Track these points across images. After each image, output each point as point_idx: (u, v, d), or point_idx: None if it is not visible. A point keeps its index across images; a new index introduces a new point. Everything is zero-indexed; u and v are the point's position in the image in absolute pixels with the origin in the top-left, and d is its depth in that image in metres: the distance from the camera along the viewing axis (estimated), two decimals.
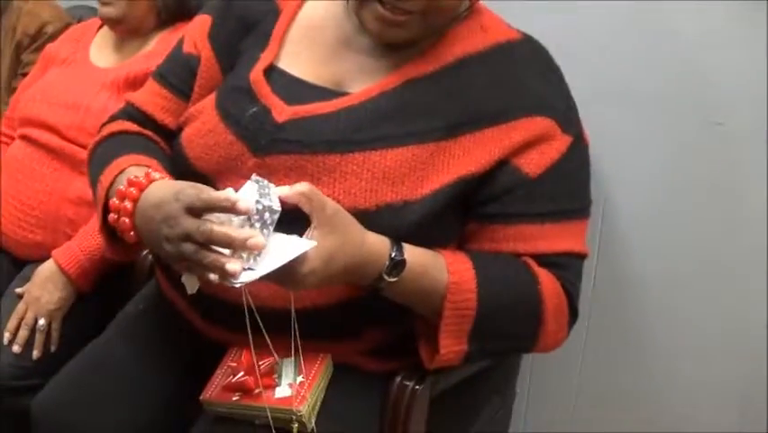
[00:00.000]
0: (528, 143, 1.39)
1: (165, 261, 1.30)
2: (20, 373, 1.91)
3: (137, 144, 1.54)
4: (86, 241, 1.96)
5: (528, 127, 1.39)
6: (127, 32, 2.19)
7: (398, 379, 1.46)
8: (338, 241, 1.22)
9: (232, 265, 1.14)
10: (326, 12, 1.52)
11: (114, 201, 1.32)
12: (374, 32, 1.41)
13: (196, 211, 1.19)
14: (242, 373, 1.38)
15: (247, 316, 1.27)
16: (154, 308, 1.68)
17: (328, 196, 1.29)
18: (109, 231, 1.43)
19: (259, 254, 1.17)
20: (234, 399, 1.37)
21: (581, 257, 1.48)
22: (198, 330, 1.54)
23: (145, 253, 1.89)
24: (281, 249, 1.18)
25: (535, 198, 1.41)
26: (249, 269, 1.17)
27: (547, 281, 1.39)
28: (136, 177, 1.31)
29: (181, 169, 1.46)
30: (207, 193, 1.19)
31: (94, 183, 1.49)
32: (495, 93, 1.41)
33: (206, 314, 1.49)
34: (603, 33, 1.89)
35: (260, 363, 1.39)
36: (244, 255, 1.16)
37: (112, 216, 1.33)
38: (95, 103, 2.06)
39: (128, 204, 1.30)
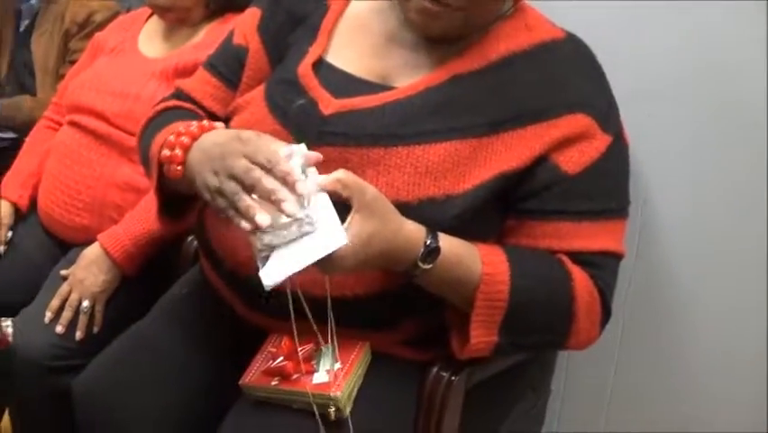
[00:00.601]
0: (568, 140, 1.40)
1: (204, 195, 1.32)
2: (62, 353, 1.93)
3: (192, 117, 1.57)
4: (132, 226, 2.00)
5: (569, 124, 1.40)
6: (176, 21, 2.22)
7: (435, 369, 1.48)
8: (377, 226, 1.25)
9: (262, 216, 1.19)
10: (373, 7, 1.54)
11: (171, 139, 1.39)
12: (417, 24, 1.43)
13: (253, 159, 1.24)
14: (281, 359, 1.41)
15: (290, 300, 1.30)
16: (197, 292, 1.71)
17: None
18: (161, 193, 1.52)
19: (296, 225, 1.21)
20: (273, 383, 1.40)
21: (618, 257, 1.48)
22: (240, 316, 1.57)
23: (190, 239, 1.93)
24: (314, 244, 1.21)
25: (573, 196, 1.42)
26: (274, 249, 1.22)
27: (581, 279, 1.40)
28: (200, 122, 1.39)
29: None
30: (276, 157, 1.23)
31: (147, 148, 1.53)
32: (538, 91, 1.42)
33: (248, 300, 1.52)
34: (644, 31, 1.87)
35: (300, 349, 1.42)
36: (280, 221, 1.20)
37: (164, 154, 1.39)
38: (143, 91, 2.08)
39: (185, 139, 1.37)
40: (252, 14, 1.65)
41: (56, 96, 2.50)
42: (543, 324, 1.41)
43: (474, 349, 1.37)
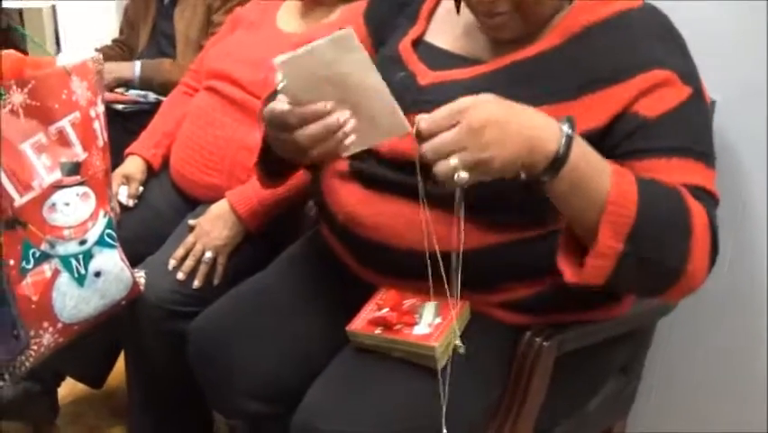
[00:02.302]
0: (647, 91, 1.42)
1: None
2: (181, 299, 2.03)
3: None
4: (260, 186, 2.08)
5: (645, 80, 1.42)
6: (314, 1, 2.30)
7: (528, 334, 1.54)
8: (509, 104, 1.28)
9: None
10: None
11: None
12: (488, 34, 1.54)
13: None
14: (386, 309, 1.51)
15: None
16: (315, 251, 1.80)
17: None
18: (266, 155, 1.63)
19: None
20: (377, 332, 1.49)
21: (715, 200, 1.43)
22: (353, 273, 1.66)
23: (311, 203, 2.03)
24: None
25: (656, 136, 1.41)
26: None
27: (695, 204, 1.35)
28: None
29: None
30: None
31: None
32: (614, 55, 1.45)
33: (359, 255, 1.61)
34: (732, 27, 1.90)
35: (405, 302, 1.52)
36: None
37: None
38: None
39: None
40: (360, 2, 1.79)
41: (195, 63, 2.60)
42: (666, 238, 1.33)
43: (599, 258, 1.30)
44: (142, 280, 1.99)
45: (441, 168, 1.23)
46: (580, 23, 1.49)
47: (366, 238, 1.55)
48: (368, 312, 1.54)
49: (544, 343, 1.53)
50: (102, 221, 1.83)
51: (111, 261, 1.86)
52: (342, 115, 1.30)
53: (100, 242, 1.83)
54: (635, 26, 1.49)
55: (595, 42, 1.47)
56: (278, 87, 1.33)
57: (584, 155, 1.28)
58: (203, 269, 2.07)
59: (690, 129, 1.44)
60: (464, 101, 1.25)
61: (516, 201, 1.45)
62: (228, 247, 2.09)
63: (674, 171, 1.39)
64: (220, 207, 2.12)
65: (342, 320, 1.57)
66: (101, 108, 1.81)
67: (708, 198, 1.40)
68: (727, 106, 1.87)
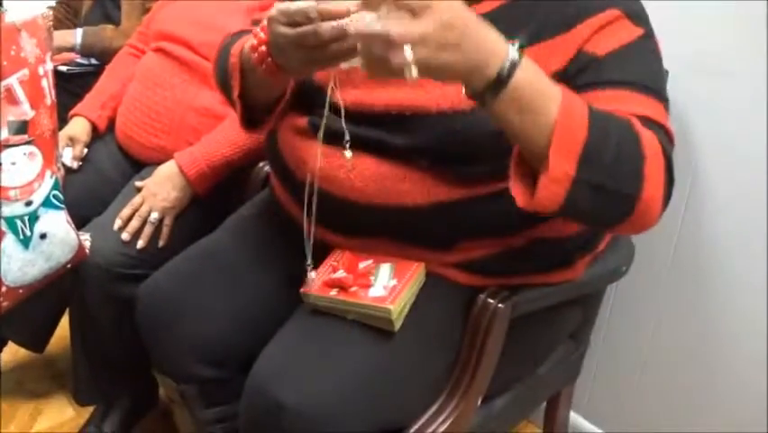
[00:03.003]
0: (599, 29, 1.42)
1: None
2: (127, 261, 2.01)
3: None
4: (209, 148, 2.08)
5: (599, 20, 1.42)
6: None
7: (483, 296, 1.54)
8: (473, 13, 1.19)
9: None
10: None
11: (252, 40, 1.47)
12: None
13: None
14: (341, 271, 1.50)
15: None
16: (265, 212, 1.79)
17: (429, 99, 1.42)
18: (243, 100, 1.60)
19: None
20: (332, 294, 1.48)
21: (668, 132, 1.39)
22: (304, 228, 1.61)
23: (261, 165, 2.03)
24: None
25: (606, 70, 1.40)
26: None
27: (645, 132, 1.31)
28: None
29: (301, 81, 1.58)
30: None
31: (225, 61, 1.63)
32: (567, 3, 1.44)
33: (318, 216, 1.56)
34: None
35: (360, 264, 1.51)
36: None
37: (250, 45, 1.47)
38: (229, 24, 2.06)
39: (261, 33, 1.45)
40: None
41: (142, 25, 2.57)
42: (618, 165, 1.27)
43: (552, 182, 1.25)
44: (88, 244, 1.96)
45: (396, 58, 1.11)
46: None
47: (326, 193, 1.53)
48: (322, 274, 1.53)
49: (499, 305, 1.53)
50: (48, 182, 1.79)
51: (57, 222, 1.83)
52: (368, 17, 1.17)
53: (46, 203, 1.79)
54: None
55: None
56: None
57: (531, 83, 1.22)
58: (148, 230, 2.05)
59: (641, 67, 1.43)
60: None
61: (486, 152, 1.43)
62: (175, 209, 2.08)
63: (624, 101, 1.37)
64: (168, 169, 2.09)
65: (295, 281, 1.56)
66: (49, 66, 1.77)
67: (660, 129, 1.36)
68: (679, 77, 1.88)
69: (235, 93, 1.59)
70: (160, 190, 2.07)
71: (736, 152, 1.89)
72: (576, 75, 1.41)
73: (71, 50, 2.91)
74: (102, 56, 2.85)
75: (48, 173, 1.78)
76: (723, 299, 2.00)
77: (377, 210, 1.45)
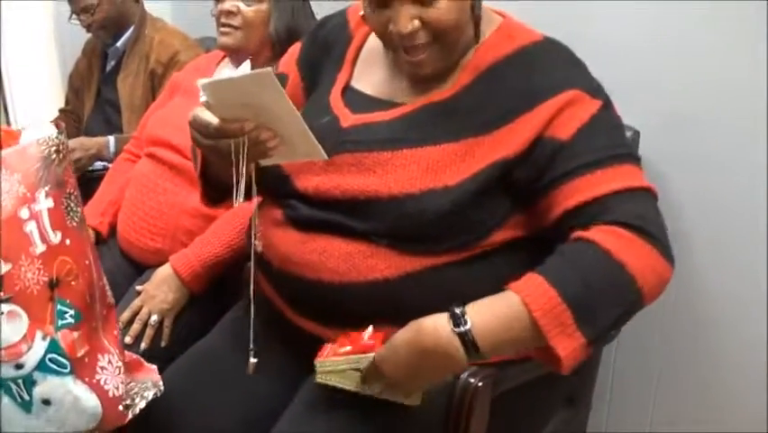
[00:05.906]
0: (558, 112, 1.49)
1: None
2: None
3: None
4: (200, 249, 2.13)
5: (556, 102, 1.49)
6: (243, 61, 2.34)
7: (464, 376, 1.54)
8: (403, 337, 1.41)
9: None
10: None
11: None
12: (409, 73, 1.61)
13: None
14: (348, 347, 1.49)
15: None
16: (256, 310, 1.80)
17: (381, 185, 1.51)
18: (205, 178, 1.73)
19: None
20: (345, 349, 1.48)
21: (646, 190, 1.49)
22: (291, 322, 1.67)
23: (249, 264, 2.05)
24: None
25: (575, 156, 1.47)
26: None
27: (601, 237, 1.40)
28: None
29: (268, 169, 1.61)
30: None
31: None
32: (521, 87, 1.53)
33: (295, 303, 1.65)
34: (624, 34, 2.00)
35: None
36: None
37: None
38: None
39: None
40: (294, 48, 1.86)
41: (137, 131, 2.64)
42: (607, 294, 1.38)
43: (572, 358, 1.35)
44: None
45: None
46: (486, 62, 1.58)
47: (299, 277, 1.59)
48: (329, 350, 1.52)
49: (479, 384, 1.54)
50: (41, 344, 1.46)
51: (61, 388, 1.50)
52: (264, 133, 1.40)
53: (42, 367, 1.47)
54: (543, 57, 1.58)
55: (501, 78, 1.56)
56: (202, 102, 1.41)
57: (492, 330, 1.36)
58: (149, 332, 2.09)
59: (607, 139, 1.51)
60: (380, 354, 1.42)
61: (442, 231, 1.52)
62: (174, 310, 2.12)
63: (600, 184, 1.45)
64: (164, 271, 2.14)
65: (287, 377, 1.63)
66: (44, 204, 1.43)
67: (640, 195, 1.47)
68: (651, 136, 1.92)
69: (197, 172, 1.71)
70: (158, 293, 2.11)
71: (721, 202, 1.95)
72: (546, 166, 1.48)
73: (104, 158, 3.00)
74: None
75: (39, 335, 1.45)
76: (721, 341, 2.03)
77: (351, 288, 1.52)
